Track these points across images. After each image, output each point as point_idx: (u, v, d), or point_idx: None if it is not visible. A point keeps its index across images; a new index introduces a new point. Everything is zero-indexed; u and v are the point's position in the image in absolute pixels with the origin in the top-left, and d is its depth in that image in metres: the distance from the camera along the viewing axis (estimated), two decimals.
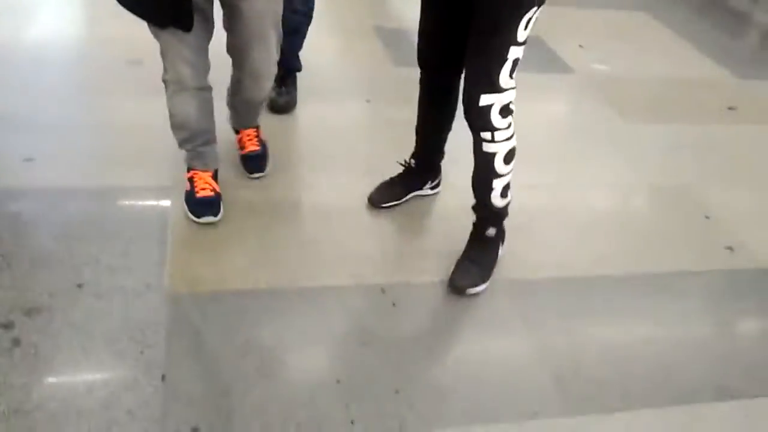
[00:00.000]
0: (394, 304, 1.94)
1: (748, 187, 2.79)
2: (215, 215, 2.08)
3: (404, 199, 2.31)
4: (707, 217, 2.55)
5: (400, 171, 2.33)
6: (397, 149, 2.34)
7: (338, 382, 1.68)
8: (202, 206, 2.07)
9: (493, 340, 1.89)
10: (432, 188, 2.37)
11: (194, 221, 2.07)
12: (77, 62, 2.86)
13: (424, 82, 2.09)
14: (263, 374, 1.66)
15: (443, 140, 2.23)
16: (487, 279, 2.01)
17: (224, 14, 1.89)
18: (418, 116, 2.18)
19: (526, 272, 2.13)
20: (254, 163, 2.29)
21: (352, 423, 1.58)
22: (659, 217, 2.55)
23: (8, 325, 1.66)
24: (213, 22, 1.89)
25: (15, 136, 2.33)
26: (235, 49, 1.98)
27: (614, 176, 2.72)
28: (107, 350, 1.64)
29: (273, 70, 2.04)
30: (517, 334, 1.91)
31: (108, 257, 1.91)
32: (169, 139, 2.16)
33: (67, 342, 1.65)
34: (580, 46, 3.76)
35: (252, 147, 2.29)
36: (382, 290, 1.97)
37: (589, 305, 2.06)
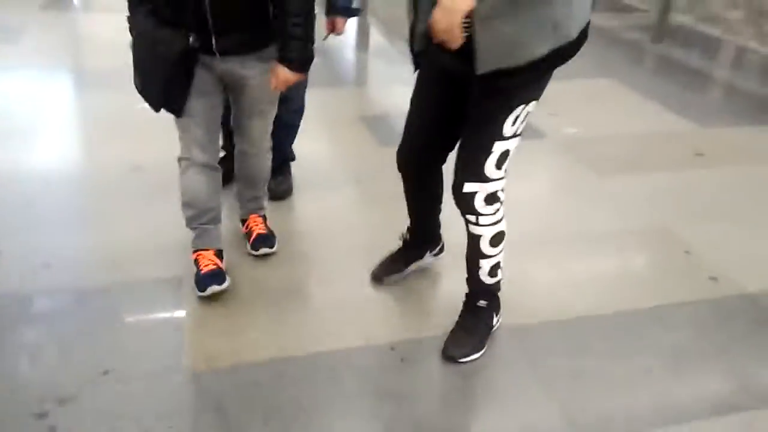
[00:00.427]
0: (402, 360, 2.05)
1: (722, 222, 2.95)
2: (219, 284, 2.21)
3: (406, 272, 2.40)
4: (688, 253, 2.70)
5: (399, 245, 2.41)
6: (391, 221, 2.49)
7: None
8: (206, 279, 2.21)
9: (501, 382, 2.00)
10: (434, 255, 2.43)
11: (201, 295, 2.21)
12: (83, 175, 3.05)
13: (406, 177, 2.18)
14: None
15: (436, 218, 2.32)
16: (481, 348, 2.07)
17: (229, 94, 2.16)
18: (407, 202, 2.27)
19: (527, 319, 2.25)
20: (262, 240, 2.45)
21: None
22: (643, 257, 2.70)
23: (43, 415, 1.76)
24: (221, 105, 2.15)
25: (31, 245, 2.48)
26: (237, 120, 2.25)
27: (597, 226, 2.89)
28: (136, 428, 1.74)
29: (269, 140, 2.32)
30: (522, 375, 2.02)
31: (129, 345, 2.04)
32: (177, 234, 2.35)
33: (99, 426, 1.74)
34: (550, 113, 4.02)
35: (259, 231, 2.47)
36: (391, 348, 2.09)
37: (589, 343, 2.17)
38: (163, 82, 1.97)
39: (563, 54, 1.71)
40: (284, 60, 2.02)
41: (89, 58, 4.65)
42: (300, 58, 2.04)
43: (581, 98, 4.45)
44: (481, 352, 2.08)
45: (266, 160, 2.38)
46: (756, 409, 1.96)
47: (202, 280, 2.22)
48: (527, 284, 2.43)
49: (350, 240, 2.65)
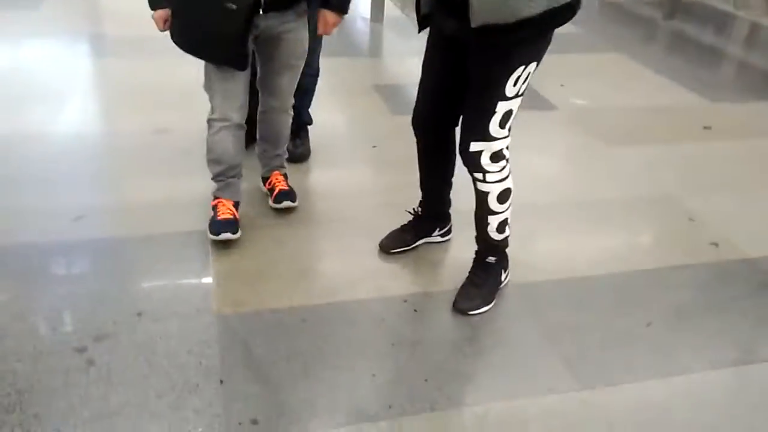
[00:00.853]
0: (416, 310, 2.18)
1: (726, 193, 3.05)
2: (233, 233, 2.35)
3: (414, 245, 2.45)
4: (691, 220, 2.80)
5: (410, 218, 2.48)
6: (404, 185, 2.60)
7: (373, 375, 1.90)
8: (221, 225, 2.35)
9: (507, 332, 2.12)
10: (442, 235, 2.49)
11: (214, 239, 2.35)
12: (108, 136, 3.17)
13: (421, 142, 2.27)
14: (307, 374, 1.88)
15: (447, 191, 2.40)
16: (490, 301, 2.20)
17: (259, 52, 2.28)
18: (420, 171, 2.36)
19: (532, 276, 2.37)
20: (285, 195, 2.57)
21: (389, 407, 1.80)
22: (647, 223, 2.81)
23: (82, 349, 1.90)
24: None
25: (63, 198, 2.62)
26: (267, 77, 2.38)
27: (605, 193, 2.99)
28: (170, 363, 1.88)
29: (291, 98, 2.45)
30: (528, 327, 2.14)
31: (160, 291, 2.17)
32: (202, 191, 2.48)
33: (134, 359, 1.88)
34: (561, 85, 4.10)
35: (282, 187, 2.60)
36: (404, 300, 2.21)
37: (591, 300, 2.29)
38: (234, 36, 2.07)
39: (558, 16, 1.79)
40: (331, 5, 2.31)
41: (108, 25, 4.74)
42: (345, 4, 2.34)
43: (593, 72, 4.53)
44: (490, 306, 2.20)
45: (289, 117, 2.51)
46: (751, 363, 2.07)
47: (218, 226, 2.35)
48: (536, 245, 2.54)
49: (365, 201, 2.77)
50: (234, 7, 2.01)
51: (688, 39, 5.50)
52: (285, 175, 2.65)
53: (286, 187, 2.60)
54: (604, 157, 3.32)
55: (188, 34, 2.15)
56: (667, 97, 4.19)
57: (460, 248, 2.44)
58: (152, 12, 2.20)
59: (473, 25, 1.75)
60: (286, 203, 2.56)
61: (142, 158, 2.95)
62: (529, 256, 2.45)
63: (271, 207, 2.60)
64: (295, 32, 2.27)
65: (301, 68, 2.41)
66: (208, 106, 2.31)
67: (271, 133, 2.54)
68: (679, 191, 3.03)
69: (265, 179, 2.65)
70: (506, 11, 1.72)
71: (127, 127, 3.22)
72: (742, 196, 3.03)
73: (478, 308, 2.18)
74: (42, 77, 3.73)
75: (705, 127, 3.74)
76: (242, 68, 2.16)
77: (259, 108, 2.48)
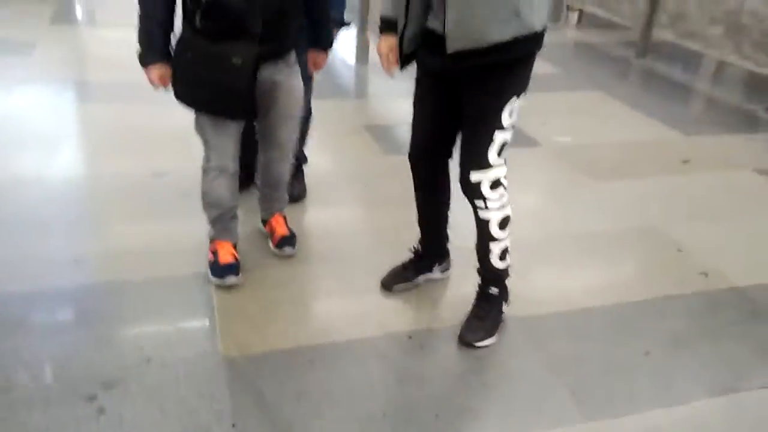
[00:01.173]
0: (421, 347, 2.20)
1: (710, 222, 3.16)
2: (236, 276, 2.39)
3: (414, 282, 2.49)
4: (680, 251, 2.89)
5: (411, 256, 2.52)
6: (399, 224, 2.66)
7: (384, 415, 1.92)
8: (225, 270, 2.38)
9: (513, 365, 2.16)
10: (441, 271, 2.54)
11: (220, 284, 2.38)
12: (104, 180, 3.18)
13: (418, 176, 2.33)
14: (318, 415, 1.90)
15: (444, 225, 2.43)
16: (494, 333, 2.25)
17: (259, 105, 2.29)
18: (417, 207, 2.42)
19: (532, 309, 2.42)
20: (286, 241, 2.60)
21: None
22: (637, 254, 2.88)
23: (92, 398, 1.89)
24: None
25: (60, 242, 2.62)
26: (267, 129, 2.42)
27: (594, 226, 3.07)
28: (181, 408, 1.87)
29: (293, 145, 2.50)
30: (532, 359, 2.18)
31: (166, 335, 2.17)
32: (200, 234, 2.51)
33: (145, 406, 1.88)
34: (544, 123, 4.22)
35: (282, 232, 2.62)
36: (409, 336, 2.24)
37: (590, 331, 2.35)
38: (244, 91, 2.12)
39: (529, 42, 1.92)
40: (322, 46, 2.50)
41: (101, 71, 4.76)
42: (331, 41, 2.52)
43: (572, 109, 4.67)
44: (494, 338, 2.24)
45: (289, 163, 2.55)
46: (747, 390, 2.13)
47: (221, 270, 2.38)
48: (532, 280, 2.60)
49: (363, 239, 2.81)
50: (240, 62, 2.07)
51: (660, 77, 5.69)
52: (285, 218, 2.68)
53: (287, 232, 2.63)
54: (590, 191, 3.42)
55: (196, 92, 2.17)
56: (645, 132, 4.34)
57: (459, 284, 2.49)
58: (144, 68, 2.18)
59: (448, 51, 1.87)
60: (287, 250, 2.59)
61: (139, 201, 2.97)
62: (526, 290, 2.50)
63: (271, 250, 2.63)
64: (287, 81, 2.31)
65: (299, 119, 2.46)
66: (202, 150, 2.34)
67: (273, 181, 2.57)
68: (665, 223, 3.12)
69: (265, 221, 2.69)
70: (477, 36, 1.86)
71: (123, 171, 3.24)
72: (726, 227, 3.13)
73: (483, 340, 2.22)
74: (35, 122, 3.74)
75: (684, 161, 3.87)
76: (252, 120, 2.23)
77: (260, 158, 2.51)
